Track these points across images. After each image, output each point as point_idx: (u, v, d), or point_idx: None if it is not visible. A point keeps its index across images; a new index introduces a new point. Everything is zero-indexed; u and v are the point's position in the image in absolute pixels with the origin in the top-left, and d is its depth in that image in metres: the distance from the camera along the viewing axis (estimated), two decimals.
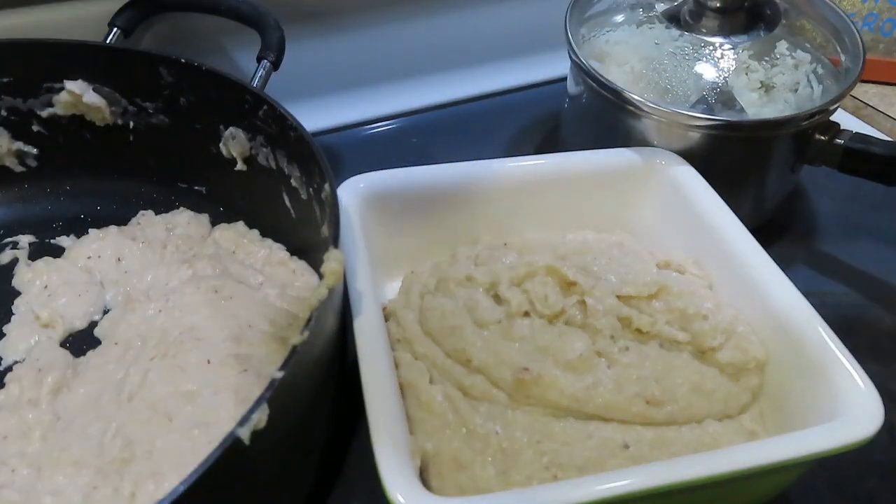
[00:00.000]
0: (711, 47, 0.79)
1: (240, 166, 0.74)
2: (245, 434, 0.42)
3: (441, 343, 0.60)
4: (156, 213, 0.78)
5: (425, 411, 0.56)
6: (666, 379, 0.57)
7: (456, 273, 0.65)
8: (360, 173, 0.68)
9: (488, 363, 0.57)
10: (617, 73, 0.79)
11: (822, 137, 0.76)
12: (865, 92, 1.07)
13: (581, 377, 0.56)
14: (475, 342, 0.59)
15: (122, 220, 0.77)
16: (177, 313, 0.64)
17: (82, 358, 0.65)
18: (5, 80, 0.75)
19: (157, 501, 0.38)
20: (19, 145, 0.79)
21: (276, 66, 0.80)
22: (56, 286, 0.70)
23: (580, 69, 0.79)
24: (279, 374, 0.45)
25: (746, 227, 0.66)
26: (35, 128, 0.78)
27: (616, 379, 0.57)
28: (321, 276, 0.52)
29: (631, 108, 0.75)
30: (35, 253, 0.75)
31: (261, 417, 0.43)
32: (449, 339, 0.60)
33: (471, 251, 0.69)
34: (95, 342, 0.66)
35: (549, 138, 0.97)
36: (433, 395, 0.56)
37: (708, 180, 0.70)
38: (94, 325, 0.68)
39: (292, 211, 0.71)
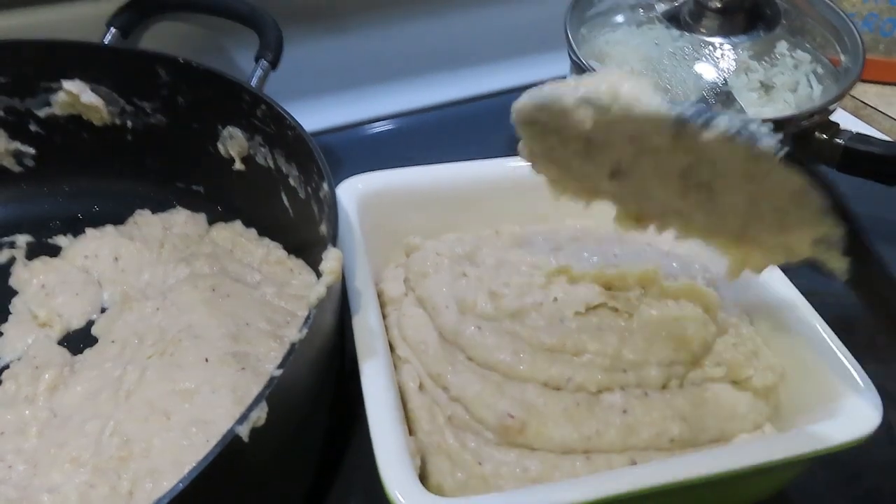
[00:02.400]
0: (711, 47, 0.79)
1: (238, 166, 0.74)
2: (244, 432, 0.42)
3: (418, 356, 0.58)
4: (153, 213, 0.78)
5: (412, 422, 0.55)
6: (695, 415, 0.55)
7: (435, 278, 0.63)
8: (359, 173, 0.68)
9: (466, 397, 0.54)
10: None
11: (822, 137, 0.76)
12: (865, 92, 1.07)
13: (580, 426, 0.53)
14: (448, 368, 0.56)
15: (119, 220, 0.77)
16: (174, 312, 0.64)
17: (79, 356, 0.65)
18: (3, 79, 0.75)
19: (158, 499, 0.38)
20: (17, 145, 0.78)
21: (273, 65, 0.81)
22: (53, 285, 0.70)
23: (580, 69, 0.79)
24: (278, 372, 0.45)
25: None
26: (33, 128, 0.78)
27: (631, 424, 0.53)
28: (319, 275, 0.52)
29: None
30: (32, 252, 0.74)
31: (260, 415, 0.43)
32: (423, 356, 0.58)
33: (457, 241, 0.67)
34: (93, 341, 0.66)
35: None
36: (418, 406, 0.55)
37: None
38: (91, 324, 0.68)
39: (290, 210, 0.70)
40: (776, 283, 0.60)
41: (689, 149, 0.46)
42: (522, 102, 0.50)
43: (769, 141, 0.43)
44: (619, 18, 0.85)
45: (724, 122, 0.42)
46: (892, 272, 0.48)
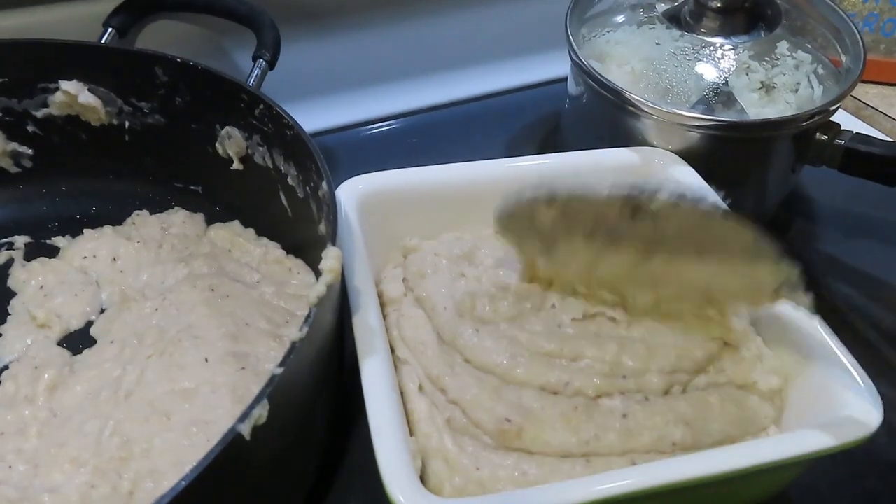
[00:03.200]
0: (712, 48, 0.78)
1: (236, 165, 0.74)
2: (246, 430, 0.42)
3: (417, 358, 0.58)
4: (151, 213, 0.77)
5: (412, 423, 0.54)
6: (699, 420, 0.54)
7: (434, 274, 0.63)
8: (358, 174, 0.68)
9: (464, 400, 0.54)
10: (617, 74, 0.79)
11: (823, 138, 0.76)
12: (866, 92, 1.07)
13: (578, 430, 0.52)
14: (447, 370, 0.56)
15: (117, 221, 0.77)
16: (173, 312, 0.64)
17: (79, 356, 0.64)
18: (0, 80, 0.75)
19: (160, 497, 0.38)
20: (14, 146, 0.78)
21: (271, 65, 0.80)
22: (52, 286, 0.70)
23: (580, 69, 0.79)
24: (279, 371, 0.45)
25: None
26: (30, 128, 0.78)
27: (631, 428, 0.53)
28: (318, 274, 0.52)
29: (631, 108, 0.75)
30: (30, 253, 0.74)
31: (261, 413, 0.43)
32: (421, 357, 0.58)
33: (455, 241, 0.67)
34: (92, 342, 0.66)
35: (550, 138, 0.96)
36: (418, 408, 0.55)
37: (708, 181, 0.70)
38: (90, 324, 0.68)
39: (289, 209, 0.70)
40: None
41: (644, 223, 0.52)
42: (498, 212, 0.58)
43: (709, 202, 0.50)
44: (620, 18, 0.85)
45: (665, 193, 0.50)
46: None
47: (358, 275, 0.59)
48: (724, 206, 0.50)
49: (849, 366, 0.54)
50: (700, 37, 0.79)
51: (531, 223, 0.57)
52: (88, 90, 0.75)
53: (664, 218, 0.51)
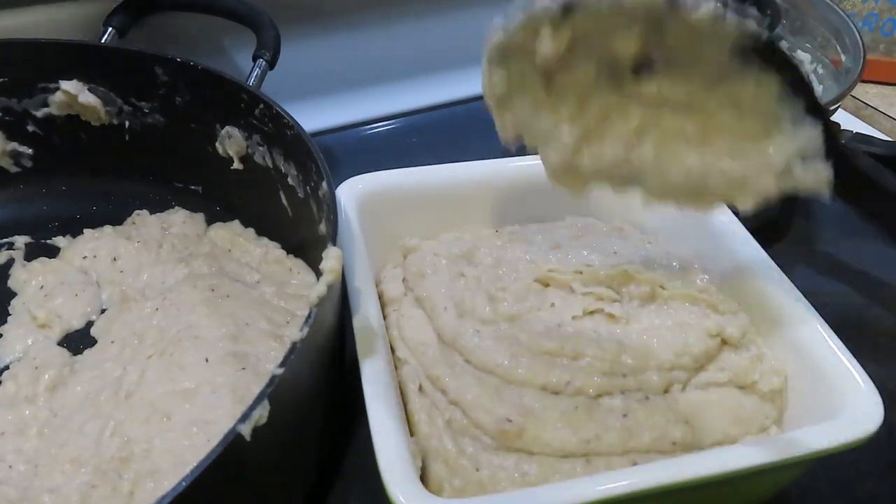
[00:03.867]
0: None
1: (236, 165, 0.74)
2: (246, 430, 0.42)
3: (417, 358, 0.58)
4: (151, 213, 0.77)
5: (412, 424, 0.54)
6: (698, 418, 0.54)
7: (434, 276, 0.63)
8: (358, 174, 0.68)
9: (465, 401, 0.54)
10: None
11: None
12: (866, 92, 1.07)
13: (578, 430, 0.52)
14: (447, 371, 0.56)
15: (117, 220, 0.77)
16: (174, 311, 0.64)
17: (79, 356, 0.64)
18: (0, 80, 0.75)
19: (160, 497, 0.38)
20: (14, 146, 0.78)
21: (271, 64, 0.80)
22: (52, 286, 0.70)
23: None
24: (279, 371, 0.45)
25: (746, 227, 0.65)
26: (30, 128, 0.78)
27: (631, 427, 0.53)
28: (319, 274, 0.52)
29: None
30: (31, 253, 0.74)
31: (262, 413, 0.43)
32: (422, 357, 0.58)
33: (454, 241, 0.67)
34: (92, 342, 0.66)
35: None
36: (418, 409, 0.55)
37: None
38: (90, 324, 0.68)
39: (289, 209, 0.70)
40: (776, 284, 0.60)
41: (650, 84, 0.46)
42: (494, 40, 0.48)
43: (754, 25, 0.44)
44: None
45: (711, 4, 0.43)
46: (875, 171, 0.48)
47: (358, 275, 0.59)
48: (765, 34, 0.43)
49: (849, 366, 0.53)
50: None
51: (528, 59, 0.48)
52: (88, 90, 0.75)
53: (687, 44, 0.45)
